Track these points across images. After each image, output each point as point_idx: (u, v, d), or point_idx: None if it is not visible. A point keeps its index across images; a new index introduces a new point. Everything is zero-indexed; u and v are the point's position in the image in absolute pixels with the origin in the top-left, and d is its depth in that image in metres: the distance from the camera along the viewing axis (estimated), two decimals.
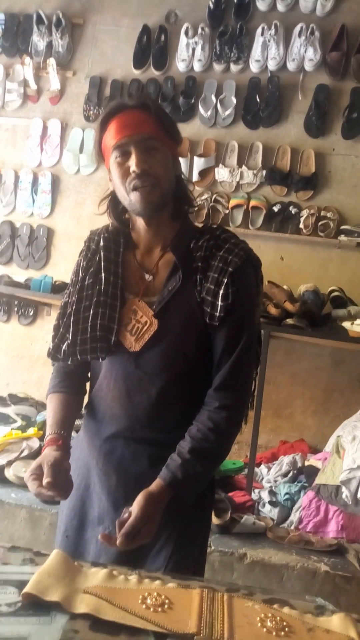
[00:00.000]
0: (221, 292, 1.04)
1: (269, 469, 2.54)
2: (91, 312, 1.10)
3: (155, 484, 1.00)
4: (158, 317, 1.07)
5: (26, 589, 0.69)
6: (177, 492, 1.01)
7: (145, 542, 0.95)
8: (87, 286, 1.12)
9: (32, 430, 2.49)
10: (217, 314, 1.04)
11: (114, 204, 1.17)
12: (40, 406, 2.83)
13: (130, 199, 1.07)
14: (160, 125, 1.07)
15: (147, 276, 1.12)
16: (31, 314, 3.20)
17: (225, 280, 1.04)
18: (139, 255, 1.15)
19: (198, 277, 1.07)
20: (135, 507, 0.96)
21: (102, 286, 1.11)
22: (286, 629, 0.68)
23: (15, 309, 3.22)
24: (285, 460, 2.51)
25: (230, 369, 1.07)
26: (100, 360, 1.11)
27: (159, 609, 0.69)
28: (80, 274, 1.15)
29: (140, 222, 1.13)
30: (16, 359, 3.23)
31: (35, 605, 0.68)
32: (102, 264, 1.13)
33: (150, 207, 1.07)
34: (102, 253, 1.14)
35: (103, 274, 1.12)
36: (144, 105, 1.06)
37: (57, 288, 2.70)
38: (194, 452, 1.02)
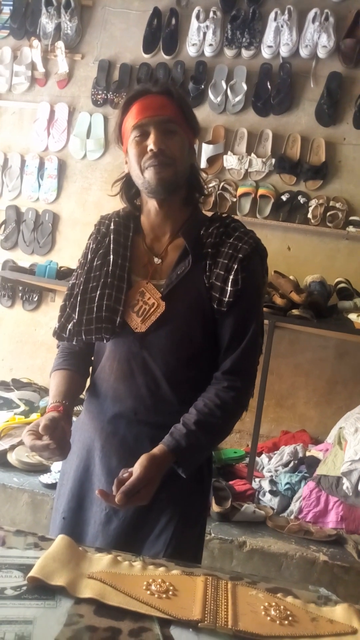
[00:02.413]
0: (231, 277, 1.06)
1: (270, 458, 2.55)
2: (98, 292, 1.11)
3: (158, 449, 1.01)
4: (165, 300, 1.09)
5: (31, 573, 0.69)
6: (178, 460, 1.02)
7: (142, 503, 0.96)
8: (95, 267, 1.14)
9: (35, 416, 2.51)
10: (226, 299, 1.06)
11: (127, 186, 1.18)
12: (44, 391, 2.84)
13: (144, 176, 1.09)
14: (181, 112, 1.10)
15: (155, 259, 1.14)
16: (35, 299, 3.20)
17: (235, 267, 1.06)
18: (148, 240, 1.17)
19: (207, 263, 1.08)
20: (137, 467, 0.96)
21: (110, 268, 1.12)
22: (290, 618, 0.68)
23: (20, 294, 3.22)
24: (286, 450, 2.51)
25: (240, 354, 1.09)
26: (105, 341, 1.12)
27: (164, 596, 0.69)
28: (89, 256, 1.17)
29: (152, 204, 1.14)
30: (20, 345, 3.24)
31: (40, 590, 0.68)
32: (112, 246, 1.14)
33: (163, 185, 1.08)
34: (112, 236, 1.16)
35: (112, 256, 1.13)
36: (167, 92, 1.09)
37: (62, 274, 2.69)
38: (200, 425, 1.04)
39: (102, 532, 1.08)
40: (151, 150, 1.06)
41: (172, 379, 1.09)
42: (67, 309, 1.15)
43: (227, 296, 1.06)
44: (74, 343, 1.16)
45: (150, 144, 1.06)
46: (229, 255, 1.07)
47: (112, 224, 1.18)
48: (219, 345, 1.11)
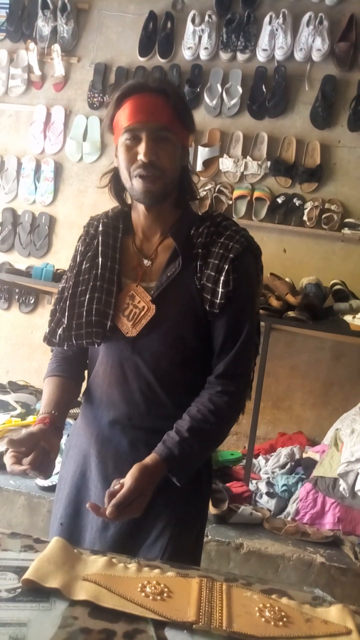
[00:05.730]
0: (222, 278, 1.03)
1: (267, 460, 2.55)
2: (87, 296, 1.09)
3: (150, 458, 0.99)
4: (156, 303, 1.06)
5: (26, 575, 0.69)
6: (171, 468, 1.00)
7: (135, 515, 0.94)
8: (84, 271, 1.11)
9: (31, 418, 2.50)
10: (218, 300, 1.03)
11: (116, 179, 1.14)
12: (40, 394, 2.83)
13: (132, 184, 1.06)
14: (176, 114, 1.05)
15: (145, 261, 1.11)
16: (32, 302, 3.20)
17: (226, 267, 1.03)
18: (137, 241, 1.14)
19: (198, 264, 1.05)
20: (128, 479, 0.94)
21: (99, 271, 1.10)
22: (284, 619, 0.68)
23: (16, 296, 3.22)
24: (283, 452, 2.52)
25: (234, 357, 1.06)
26: (96, 345, 1.10)
27: (158, 597, 0.69)
28: (78, 259, 1.14)
29: (140, 207, 1.12)
30: (16, 347, 3.23)
31: (34, 592, 0.68)
32: (100, 248, 1.12)
33: (150, 197, 1.06)
34: (100, 238, 1.13)
35: (100, 259, 1.11)
36: (163, 92, 1.04)
37: (59, 276, 2.68)
38: (193, 432, 1.01)
39: (99, 538, 1.07)
40: (141, 160, 1.02)
41: (165, 383, 1.07)
42: (57, 314, 1.13)
43: (219, 298, 1.03)
44: (65, 348, 1.14)
45: (141, 154, 1.02)
46: (220, 255, 1.04)
47: (100, 225, 1.15)
48: (212, 347, 1.08)
